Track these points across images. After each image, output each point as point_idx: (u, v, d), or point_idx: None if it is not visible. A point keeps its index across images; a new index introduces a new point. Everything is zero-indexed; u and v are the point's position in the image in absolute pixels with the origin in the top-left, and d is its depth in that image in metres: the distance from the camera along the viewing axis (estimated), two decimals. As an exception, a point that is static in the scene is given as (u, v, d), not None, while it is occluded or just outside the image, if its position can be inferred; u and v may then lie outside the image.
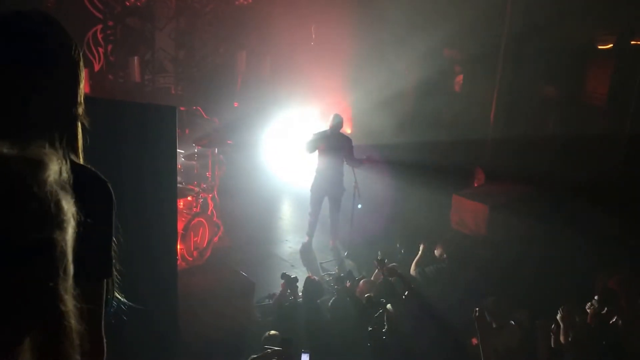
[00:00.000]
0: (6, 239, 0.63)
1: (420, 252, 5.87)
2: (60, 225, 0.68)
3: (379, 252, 5.96)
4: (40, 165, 0.70)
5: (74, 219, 0.72)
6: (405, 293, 4.79)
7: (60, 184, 0.71)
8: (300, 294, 5.20)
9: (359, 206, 7.07)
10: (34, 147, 0.72)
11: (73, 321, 0.71)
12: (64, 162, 0.74)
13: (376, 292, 5.02)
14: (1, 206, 0.64)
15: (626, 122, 7.21)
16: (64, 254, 0.69)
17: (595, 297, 4.38)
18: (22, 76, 1.15)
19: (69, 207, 0.71)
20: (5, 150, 0.68)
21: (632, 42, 7.27)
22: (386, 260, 5.68)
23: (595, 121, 7.52)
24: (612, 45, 7.60)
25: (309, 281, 5.16)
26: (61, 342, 0.69)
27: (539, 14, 7.58)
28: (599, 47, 7.84)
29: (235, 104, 10.04)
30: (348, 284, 5.20)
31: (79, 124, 1.27)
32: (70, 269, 0.72)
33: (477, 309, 4.16)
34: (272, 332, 4.32)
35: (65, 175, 0.73)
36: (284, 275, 5.32)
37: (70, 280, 0.72)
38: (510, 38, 8.19)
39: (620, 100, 7.35)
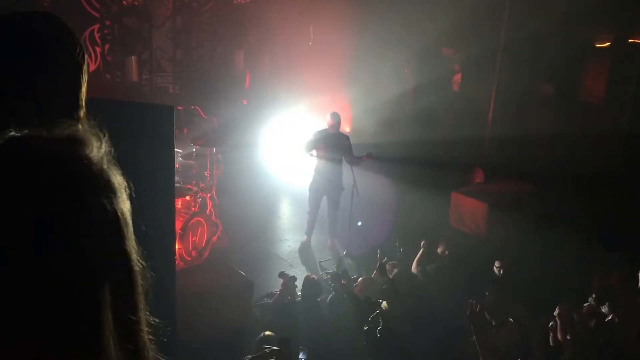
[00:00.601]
0: (74, 215, 0.67)
1: (421, 250, 5.85)
2: (115, 193, 0.74)
3: (378, 252, 5.96)
4: (83, 142, 0.73)
5: (123, 187, 0.77)
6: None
7: (103, 157, 0.75)
8: (298, 293, 5.20)
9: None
10: (66, 126, 0.74)
11: (139, 277, 0.80)
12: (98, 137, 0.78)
13: (379, 296, 5.00)
14: (60, 185, 0.67)
15: (624, 121, 7.23)
16: (125, 218, 0.76)
17: (593, 295, 4.39)
18: (22, 77, 1.15)
19: (115, 176, 0.75)
20: (44, 133, 0.71)
21: (630, 41, 7.28)
22: (385, 259, 5.67)
23: (593, 119, 7.53)
24: (610, 43, 7.61)
25: (307, 280, 5.15)
26: (133, 294, 0.79)
27: (538, 12, 7.58)
28: (597, 45, 7.85)
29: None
30: (343, 282, 5.19)
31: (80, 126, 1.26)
32: (132, 231, 0.79)
33: (471, 302, 4.11)
34: (268, 332, 4.30)
35: (103, 149, 0.76)
36: (283, 274, 5.31)
37: (134, 241, 0.79)
38: (508, 36, 8.19)
39: (618, 98, 7.36)
